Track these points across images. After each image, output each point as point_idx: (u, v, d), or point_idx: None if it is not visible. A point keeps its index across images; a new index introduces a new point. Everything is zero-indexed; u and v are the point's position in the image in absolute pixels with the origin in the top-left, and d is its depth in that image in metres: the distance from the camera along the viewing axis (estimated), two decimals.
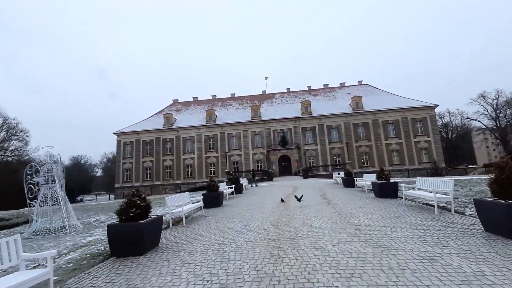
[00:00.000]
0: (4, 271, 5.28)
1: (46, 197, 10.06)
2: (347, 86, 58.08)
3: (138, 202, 5.98)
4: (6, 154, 46.08)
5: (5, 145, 48.09)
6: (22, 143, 49.19)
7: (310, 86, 60.20)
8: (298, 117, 51.08)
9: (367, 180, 13.97)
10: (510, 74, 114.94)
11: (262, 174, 42.49)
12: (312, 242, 5.57)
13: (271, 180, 35.54)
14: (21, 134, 49.87)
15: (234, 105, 58.60)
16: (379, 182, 11.51)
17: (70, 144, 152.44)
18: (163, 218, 9.57)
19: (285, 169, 48.39)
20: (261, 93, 61.52)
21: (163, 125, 54.31)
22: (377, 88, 55.57)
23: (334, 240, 5.64)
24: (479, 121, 60.50)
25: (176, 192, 38.61)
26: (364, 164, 47.55)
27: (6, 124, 48.08)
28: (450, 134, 70.26)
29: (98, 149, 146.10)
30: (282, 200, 11.76)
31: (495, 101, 57.80)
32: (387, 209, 8.66)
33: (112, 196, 53.81)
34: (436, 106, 48.43)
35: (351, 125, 49.59)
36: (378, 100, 51.39)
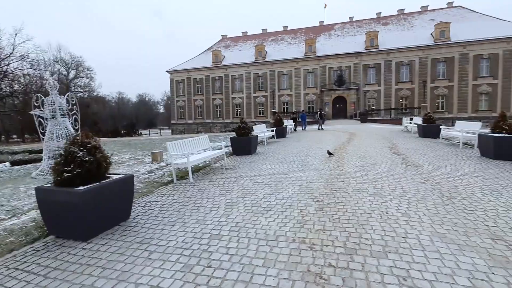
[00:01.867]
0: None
1: (52, 134, 8.59)
2: (431, 11, 44.93)
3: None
4: (78, 90, 50.09)
5: (77, 81, 52.04)
6: (88, 80, 52.70)
7: (380, 13, 48.44)
8: (360, 52, 42.54)
9: (467, 129, 9.35)
10: None
11: (313, 116, 38.27)
12: (402, 271, 2.38)
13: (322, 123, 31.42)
14: (87, 71, 53.01)
15: (286, 39, 51.57)
16: (498, 135, 7.05)
17: (136, 83, 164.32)
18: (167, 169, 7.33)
19: (339, 111, 42.95)
20: (318, 24, 52.31)
21: (212, 62, 51.55)
22: (473, 11, 41.67)
23: (461, 267, 2.37)
24: None
25: (221, 132, 37.84)
26: (439, 109, 38.94)
27: (75, 62, 51.15)
28: None
29: (160, 87, 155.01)
30: (330, 153, 8.39)
31: None
32: None
33: (169, 131, 56.71)
34: None
35: (429, 61, 39.51)
36: (473, 28, 38.80)
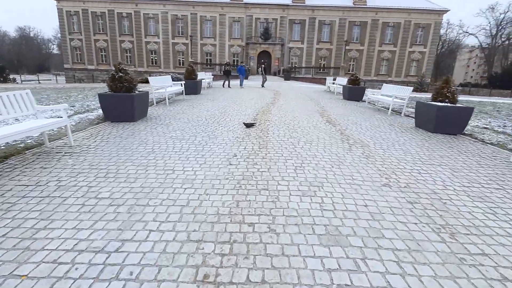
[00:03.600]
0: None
1: None
2: None
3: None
4: None
5: None
6: None
7: None
8: (288, 5, 39.51)
9: (397, 94, 8.09)
10: None
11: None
12: None
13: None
14: None
15: None
16: (443, 105, 5.72)
17: (18, 13, 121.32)
18: None
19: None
20: None
21: None
22: None
23: None
24: (476, 36, 53.25)
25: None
26: (349, 71, 40.97)
27: None
28: (440, 48, 62.83)
29: (51, 22, 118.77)
30: (249, 125, 5.80)
31: (503, 15, 49.07)
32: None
33: (62, 79, 44.09)
34: (447, 11, 39.18)
35: (347, 23, 39.92)
36: None
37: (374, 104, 10.18)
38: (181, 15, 40.44)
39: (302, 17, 40.00)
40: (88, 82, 41.24)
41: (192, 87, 10.92)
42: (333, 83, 14.64)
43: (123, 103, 5.65)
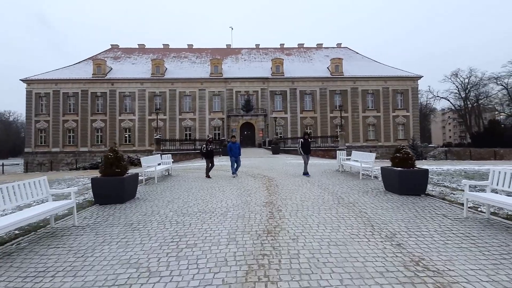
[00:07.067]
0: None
1: None
2: (325, 48, 46.93)
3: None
4: None
5: None
6: None
7: (283, 44, 47.80)
8: (267, 78, 39.20)
9: None
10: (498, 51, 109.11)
11: (217, 144, 30.85)
12: None
13: (226, 154, 24.10)
14: None
15: (191, 57, 44.15)
16: None
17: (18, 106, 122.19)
18: None
19: (248, 139, 37.33)
20: (225, 47, 47.53)
21: (92, 74, 38.31)
22: (357, 53, 45.41)
23: None
24: (448, 100, 55.18)
25: (94, 164, 24.65)
26: (337, 138, 38.30)
27: None
28: None
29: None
30: None
31: (467, 80, 52.15)
32: None
33: (21, 162, 37.97)
34: (420, 77, 40.18)
35: (328, 92, 39.43)
36: (359, 67, 41.47)
37: (474, 209, 5.20)
38: (159, 92, 38.66)
39: (283, 88, 39.35)
40: (46, 169, 35.28)
41: (114, 190, 5.63)
42: (349, 159, 10.04)
43: None
